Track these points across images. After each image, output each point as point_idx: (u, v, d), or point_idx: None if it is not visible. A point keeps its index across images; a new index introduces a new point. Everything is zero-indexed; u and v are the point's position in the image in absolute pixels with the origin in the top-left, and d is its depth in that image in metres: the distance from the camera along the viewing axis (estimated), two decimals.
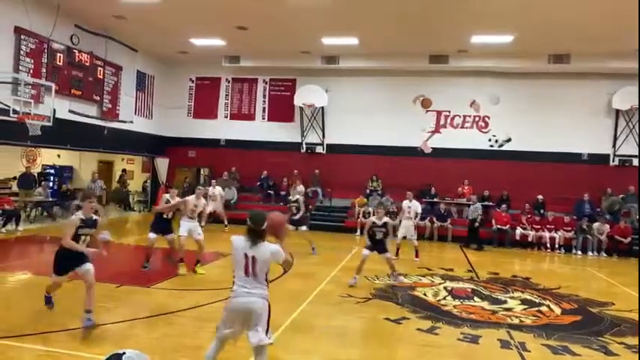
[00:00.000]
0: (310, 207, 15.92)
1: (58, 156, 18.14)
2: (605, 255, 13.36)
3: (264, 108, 18.05)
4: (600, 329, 6.35)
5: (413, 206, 11.20)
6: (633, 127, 15.05)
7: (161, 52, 17.26)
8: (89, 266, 5.18)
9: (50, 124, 11.58)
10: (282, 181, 16.80)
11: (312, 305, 6.79)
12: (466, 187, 15.68)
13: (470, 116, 16.42)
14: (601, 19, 11.33)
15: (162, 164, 18.49)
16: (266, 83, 18.04)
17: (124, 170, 19.38)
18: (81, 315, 5.07)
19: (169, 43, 15.94)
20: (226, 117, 18.38)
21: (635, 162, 14.86)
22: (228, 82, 18.34)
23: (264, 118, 18.05)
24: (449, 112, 16.56)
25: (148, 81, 17.53)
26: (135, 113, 16.78)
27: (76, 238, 5.10)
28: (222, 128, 18.24)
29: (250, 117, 18.15)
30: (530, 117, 15.81)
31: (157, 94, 17.94)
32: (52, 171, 17.89)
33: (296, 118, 17.56)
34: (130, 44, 15.98)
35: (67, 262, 5.17)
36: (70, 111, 13.59)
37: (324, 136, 17.31)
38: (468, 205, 14.52)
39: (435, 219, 14.67)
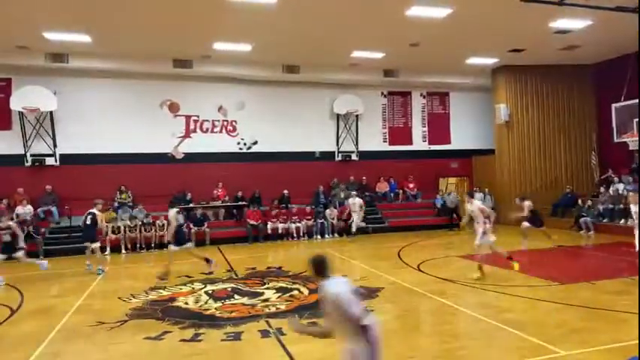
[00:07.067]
0: (42, 230, 13.60)
1: None
2: (337, 236, 15.79)
3: None
4: None
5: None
6: (350, 128, 18.28)
7: None
8: None
9: None
10: (1, 202, 13.69)
11: (54, 345, 5.80)
12: (220, 190, 16.11)
13: (219, 121, 16.87)
14: (323, 35, 13.23)
15: None
16: None
17: None
18: None
19: None
20: None
21: (354, 157, 18.12)
22: None
23: None
24: (198, 116, 16.63)
25: None
26: None
27: None
28: None
29: None
30: (272, 121, 17.27)
31: None
32: None
33: (15, 125, 14.62)
34: None
35: None
36: None
37: (55, 145, 14.95)
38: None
39: (192, 225, 14.52)
